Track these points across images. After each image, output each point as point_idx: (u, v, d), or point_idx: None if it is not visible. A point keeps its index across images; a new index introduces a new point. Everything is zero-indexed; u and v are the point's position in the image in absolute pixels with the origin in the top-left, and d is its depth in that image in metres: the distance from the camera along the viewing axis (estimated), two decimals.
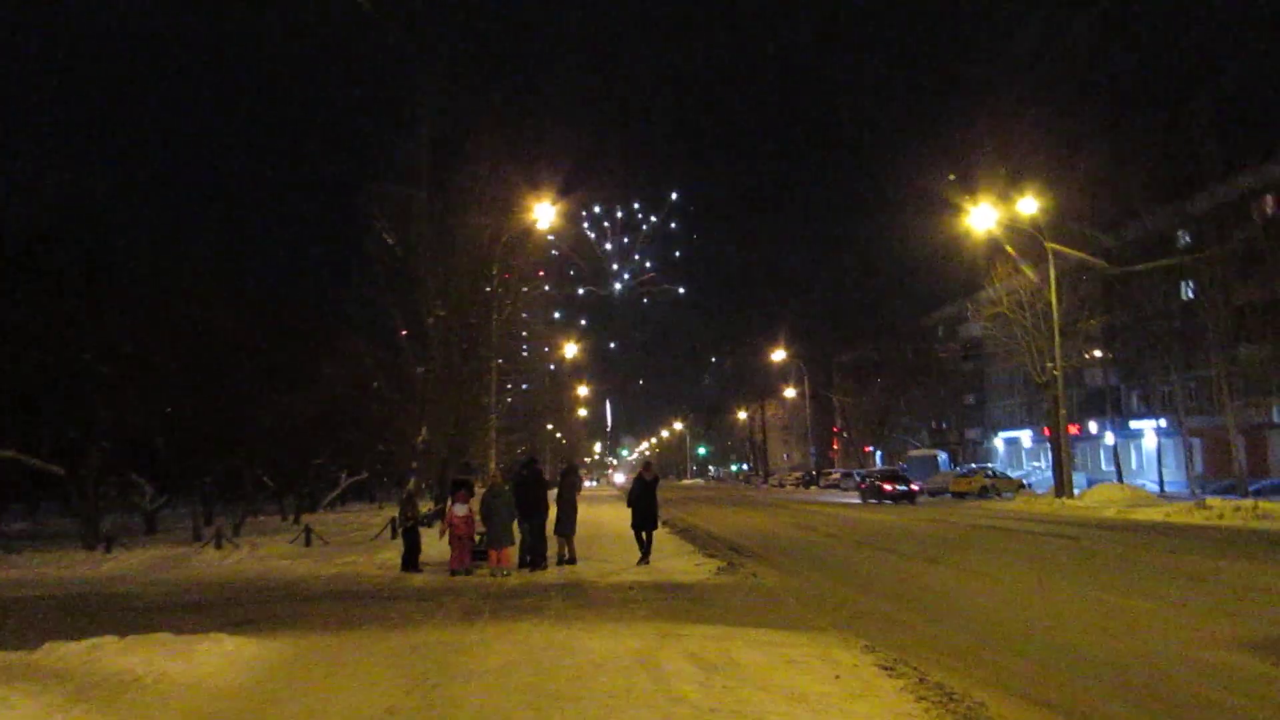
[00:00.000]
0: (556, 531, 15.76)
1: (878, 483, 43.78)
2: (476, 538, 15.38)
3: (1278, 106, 41.20)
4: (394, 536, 15.88)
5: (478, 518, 15.17)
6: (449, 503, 15.21)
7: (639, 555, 15.63)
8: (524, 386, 72.31)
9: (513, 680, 6.65)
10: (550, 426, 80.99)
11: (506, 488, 15.86)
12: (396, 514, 17.25)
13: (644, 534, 15.76)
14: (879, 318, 77.76)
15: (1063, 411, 36.41)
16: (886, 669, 6.89)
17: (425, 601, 11.85)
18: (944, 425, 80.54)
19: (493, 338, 29.85)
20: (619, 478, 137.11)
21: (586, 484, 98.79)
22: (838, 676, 6.63)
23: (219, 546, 17.43)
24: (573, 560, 15.50)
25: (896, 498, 41.37)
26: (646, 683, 6.46)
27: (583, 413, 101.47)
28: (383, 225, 21.18)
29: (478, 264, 27.28)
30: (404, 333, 22.02)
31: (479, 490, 17.38)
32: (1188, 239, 46.32)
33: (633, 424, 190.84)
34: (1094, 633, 8.80)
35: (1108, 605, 10.52)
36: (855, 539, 21.52)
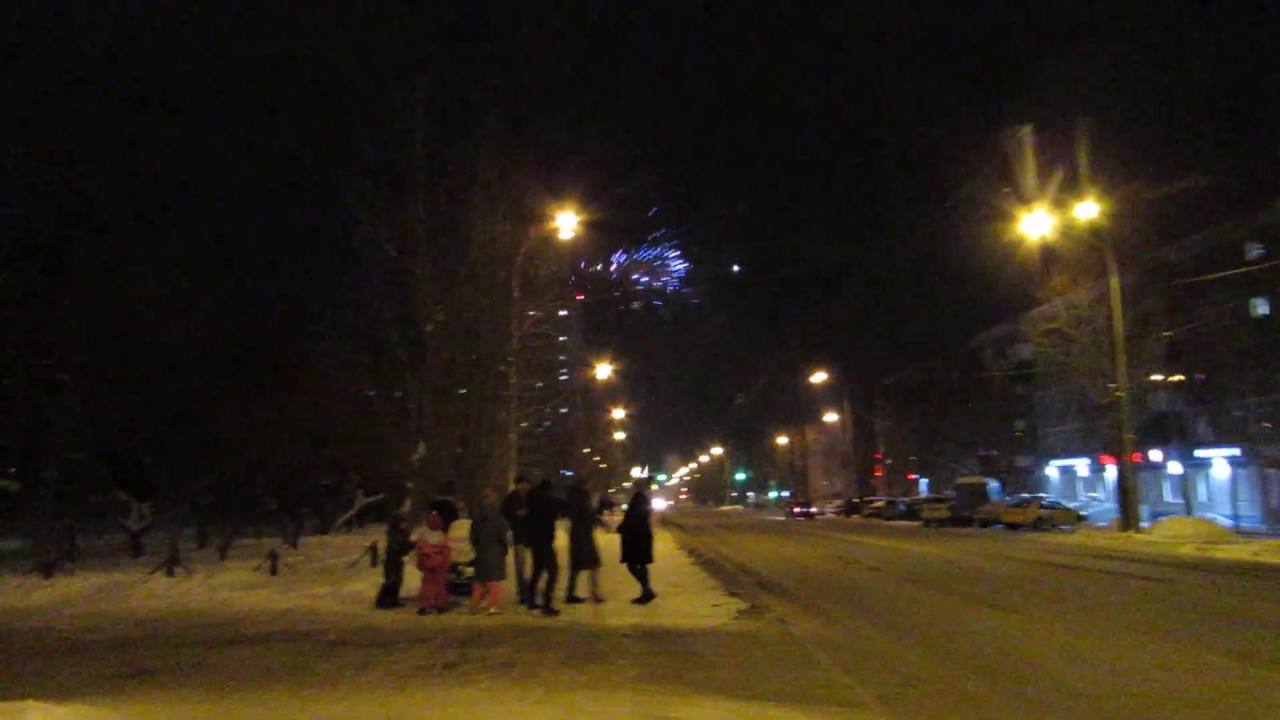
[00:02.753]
0: (572, 565, 13.31)
1: (790, 506, 76.28)
2: (466, 570, 13.16)
3: None
4: (373, 565, 13.79)
5: (462, 545, 12.99)
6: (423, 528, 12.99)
7: (644, 590, 13.25)
8: (563, 410, 70.30)
9: None
10: (587, 450, 78.88)
11: (496, 510, 13.65)
12: (381, 541, 15.10)
13: (637, 568, 13.41)
14: (924, 338, 74.86)
15: (1128, 436, 33.39)
16: None
17: (375, 649, 9.63)
18: (993, 452, 76.90)
19: (512, 351, 27.80)
20: (658, 503, 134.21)
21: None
22: None
23: (171, 574, 15.39)
24: (597, 598, 13.07)
25: (803, 516, 68.92)
26: None
27: (620, 435, 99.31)
28: (372, 219, 19.15)
29: (490, 268, 25.25)
30: (397, 339, 19.90)
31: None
32: (1259, 250, 43.11)
33: (676, 446, 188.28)
34: None
35: (1257, 682, 7.97)
36: (903, 575, 18.98)
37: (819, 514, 72.93)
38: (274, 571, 15.87)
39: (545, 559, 12.46)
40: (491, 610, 12.13)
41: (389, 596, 12.94)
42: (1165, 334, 35.86)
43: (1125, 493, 34.10)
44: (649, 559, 13.63)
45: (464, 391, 23.86)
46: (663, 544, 27.85)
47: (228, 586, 14.03)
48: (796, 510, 72.77)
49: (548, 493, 13.29)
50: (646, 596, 13.15)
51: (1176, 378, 45.04)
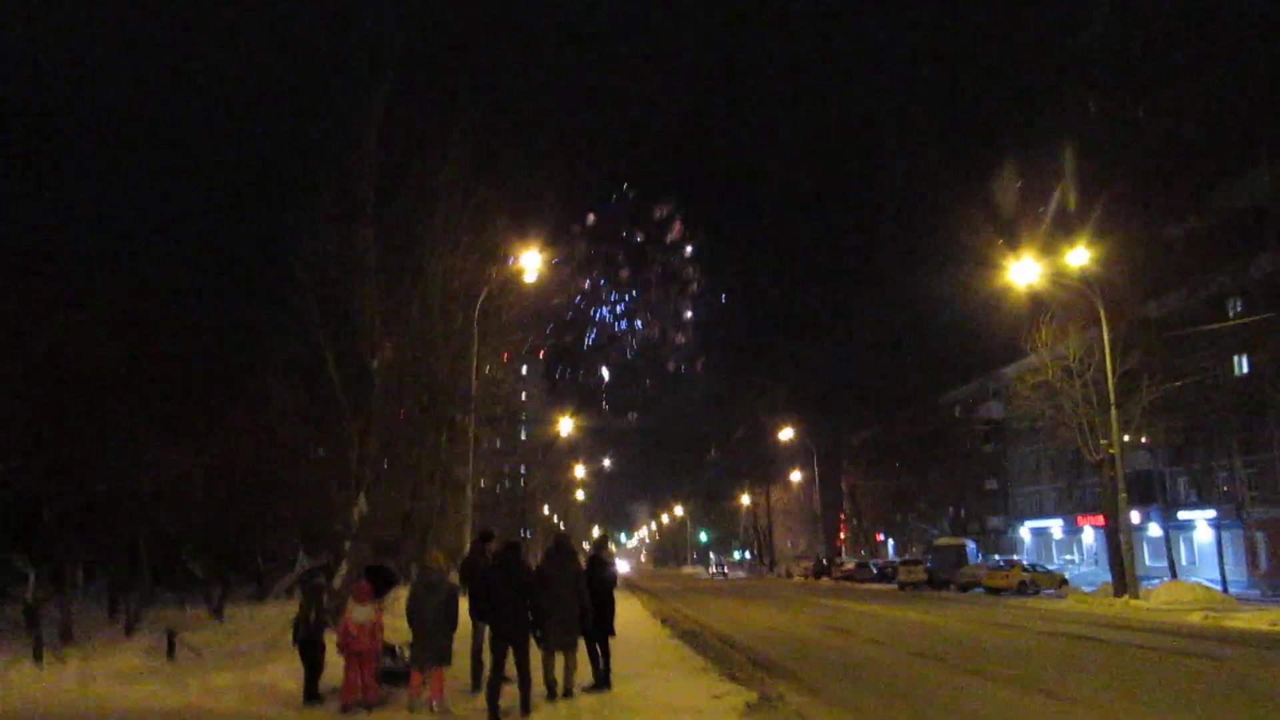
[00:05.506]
0: (545, 646, 10.45)
1: (713, 567, 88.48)
2: (406, 651, 10.67)
3: None
4: (294, 643, 11.25)
5: (397, 623, 10.52)
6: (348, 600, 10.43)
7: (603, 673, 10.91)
8: (522, 469, 67.69)
9: None
10: (546, 510, 76.09)
11: (448, 577, 11.17)
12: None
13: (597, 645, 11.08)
14: (892, 397, 73.30)
15: (1122, 495, 31.60)
16: None
17: None
18: (963, 512, 75.20)
19: (470, 398, 25.46)
20: (620, 565, 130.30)
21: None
22: None
23: (39, 660, 12.64)
24: (569, 691, 10.44)
25: (720, 575, 76.69)
26: None
27: (580, 495, 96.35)
28: (313, 239, 16.83)
29: (447, 307, 22.99)
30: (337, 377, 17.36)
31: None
32: (1239, 306, 42.23)
33: (643, 507, 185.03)
34: None
35: None
36: (908, 648, 16.68)
37: (730, 574, 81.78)
38: (171, 655, 13.14)
39: (523, 645, 9.77)
40: (434, 706, 9.62)
41: (310, 688, 10.41)
42: (1150, 389, 34.17)
43: (1118, 556, 32.24)
44: (611, 632, 11.26)
45: (415, 446, 21.36)
46: (633, 611, 25.28)
47: (109, 676, 11.32)
48: (713, 571, 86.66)
49: (519, 556, 10.48)
50: (605, 682, 10.84)
51: (1142, 439, 43.33)
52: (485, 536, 12.10)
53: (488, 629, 10.00)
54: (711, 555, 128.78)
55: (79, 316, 16.07)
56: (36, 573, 20.95)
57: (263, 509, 19.84)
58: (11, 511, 19.64)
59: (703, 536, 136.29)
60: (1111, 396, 31.11)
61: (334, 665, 10.42)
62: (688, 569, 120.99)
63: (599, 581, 11.06)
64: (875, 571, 56.78)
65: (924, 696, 11.09)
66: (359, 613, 9.81)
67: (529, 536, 60.54)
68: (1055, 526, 62.97)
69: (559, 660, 10.43)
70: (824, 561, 69.79)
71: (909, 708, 10.28)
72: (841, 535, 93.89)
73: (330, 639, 10.39)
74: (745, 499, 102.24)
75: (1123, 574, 31.47)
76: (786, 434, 76.75)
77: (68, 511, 19.30)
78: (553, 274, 30.56)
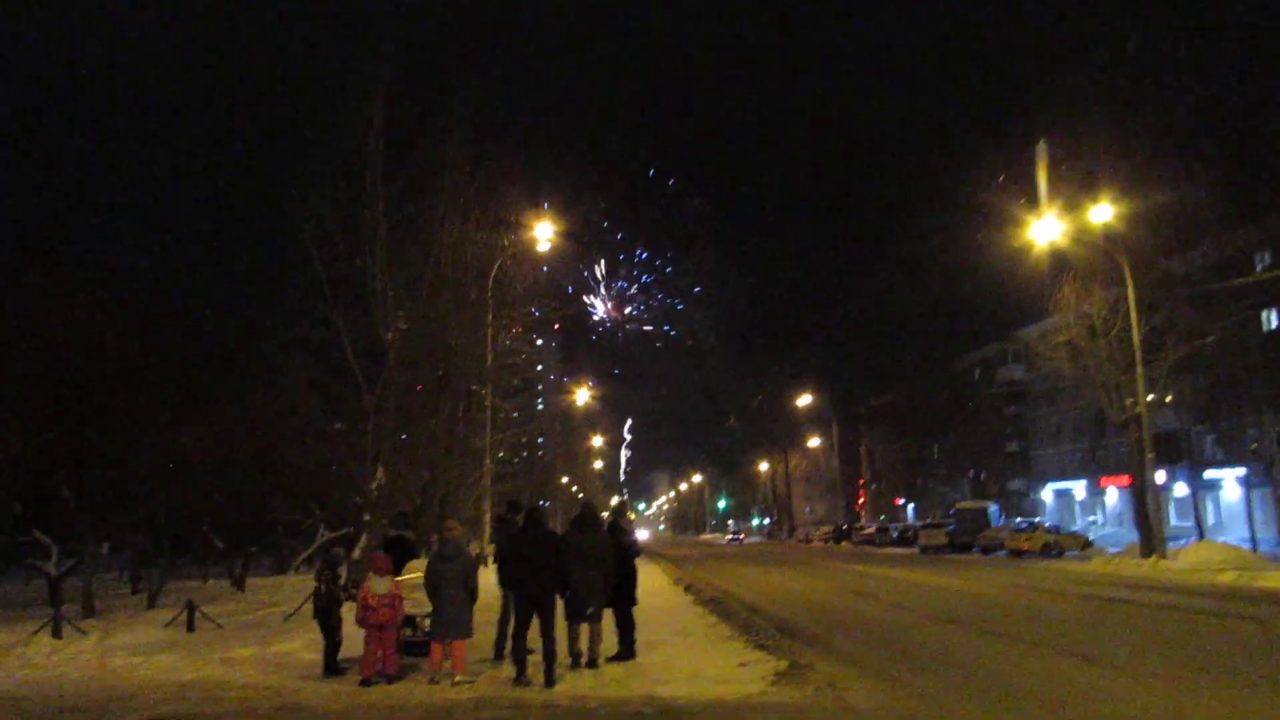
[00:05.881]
0: (570, 615, 10.16)
1: (731, 534, 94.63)
2: (426, 622, 10.48)
3: None
4: (315, 616, 11.14)
5: (417, 595, 10.31)
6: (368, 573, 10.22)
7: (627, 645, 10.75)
8: (539, 440, 67.60)
9: None
10: (565, 480, 76.31)
11: (467, 548, 10.97)
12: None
13: (622, 616, 10.87)
14: (911, 361, 72.72)
15: (1150, 455, 31.09)
16: None
17: None
18: (983, 476, 74.66)
19: (485, 370, 25.22)
20: (640, 533, 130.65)
21: None
22: None
23: (58, 634, 12.55)
24: (594, 661, 10.30)
25: (735, 542, 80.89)
26: None
27: (598, 464, 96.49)
28: (321, 212, 16.48)
29: (460, 277, 22.66)
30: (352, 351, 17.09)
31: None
32: (1267, 260, 41.38)
33: (664, 474, 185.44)
34: None
35: None
36: (936, 613, 16.40)
37: (747, 540, 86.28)
38: (191, 627, 13.03)
39: (549, 613, 9.61)
40: (457, 678, 9.43)
41: (330, 661, 10.25)
42: (1203, 340, 33.35)
43: (1145, 517, 31.82)
44: (634, 601, 11.04)
45: (432, 417, 21.13)
46: (655, 579, 25.15)
47: (128, 649, 11.20)
48: (729, 538, 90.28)
49: (542, 522, 10.32)
50: (630, 651, 10.64)
51: (1168, 398, 42.57)
52: (513, 507, 11.92)
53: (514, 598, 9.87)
54: (730, 523, 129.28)
55: (91, 303, 15.91)
56: (59, 549, 21.05)
57: (280, 483, 19.75)
58: (31, 492, 19.67)
59: (721, 504, 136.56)
60: (1137, 355, 30.55)
61: (354, 637, 10.26)
62: (705, 536, 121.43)
63: (619, 550, 10.82)
64: (895, 536, 56.64)
65: (956, 663, 10.80)
66: (378, 585, 9.61)
67: (547, 506, 60.71)
68: (1078, 488, 62.45)
69: (584, 630, 10.24)
70: (844, 526, 69.70)
71: (935, 672, 10.00)
72: (861, 500, 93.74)
73: (349, 611, 10.21)
74: (764, 466, 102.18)
75: (1150, 535, 31.09)
76: (805, 400, 76.33)
77: (84, 491, 19.28)
78: (566, 245, 30.08)
